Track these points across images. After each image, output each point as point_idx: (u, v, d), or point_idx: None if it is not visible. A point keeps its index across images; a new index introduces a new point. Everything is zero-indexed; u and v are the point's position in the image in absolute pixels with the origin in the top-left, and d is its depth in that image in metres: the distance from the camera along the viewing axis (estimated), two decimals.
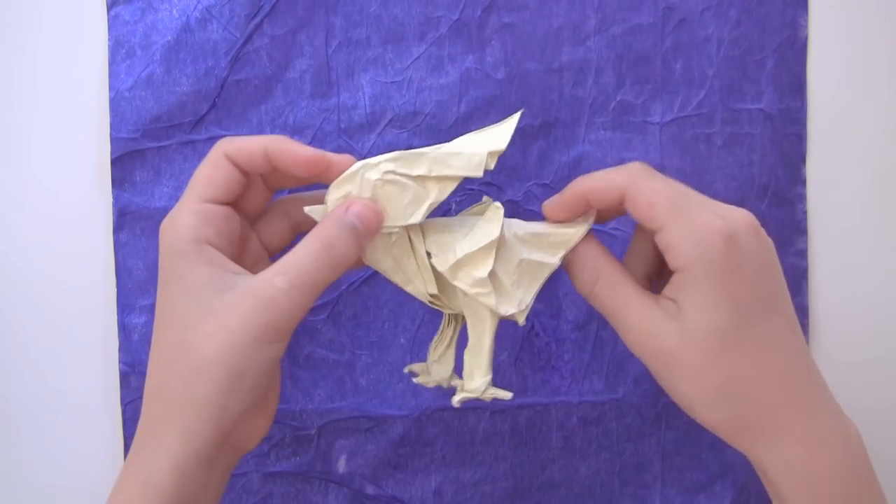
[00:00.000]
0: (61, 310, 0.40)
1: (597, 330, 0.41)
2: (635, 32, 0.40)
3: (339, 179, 0.30)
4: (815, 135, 0.41)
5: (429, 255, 0.31)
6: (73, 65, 0.40)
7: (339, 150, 0.39)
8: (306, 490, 0.40)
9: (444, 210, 0.39)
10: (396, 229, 0.30)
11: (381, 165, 0.29)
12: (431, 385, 0.34)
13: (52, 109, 0.40)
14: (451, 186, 0.30)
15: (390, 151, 0.30)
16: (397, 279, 0.31)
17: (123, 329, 0.39)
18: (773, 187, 0.41)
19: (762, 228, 0.29)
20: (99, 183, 0.40)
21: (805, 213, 0.41)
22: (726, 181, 0.41)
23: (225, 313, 0.27)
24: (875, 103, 0.42)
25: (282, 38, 0.39)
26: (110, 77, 0.39)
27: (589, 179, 0.30)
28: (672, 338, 0.28)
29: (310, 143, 0.39)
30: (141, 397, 0.39)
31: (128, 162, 0.39)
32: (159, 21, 0.39)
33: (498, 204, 0.31)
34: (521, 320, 0.31)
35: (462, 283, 0.30)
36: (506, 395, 0.31)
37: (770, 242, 0.29)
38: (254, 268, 0.30)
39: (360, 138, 0.40)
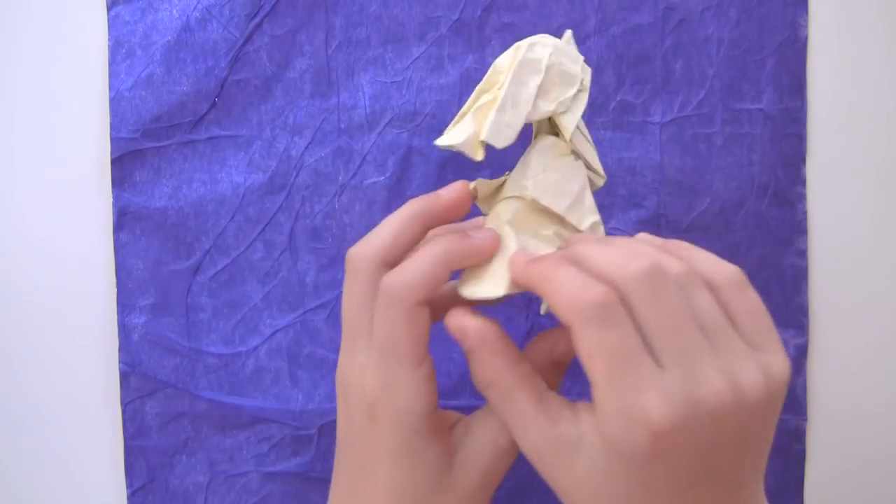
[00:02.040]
0: (61, 310, 0.40)
1: None
2: (635, 32, 0.40)
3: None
4: (815, 135, 0.41)
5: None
6: (73, 65, 0.40)
7: (339, 150, 0.39)
8: (306, 490, 0.40)
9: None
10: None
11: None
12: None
13: (52, 109, 0.40)
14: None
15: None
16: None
17: (123, 329, 0.39)
18: (773, 187, 0.41)
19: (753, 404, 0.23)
20: (99, 183, 0.40)
21: (805, 213, 0.41)
22: (726, 181, 0.41)
23: (462, 487, 0.27)
24: (875, 103, 0.42)
25: (282, 38, 0.39)
26: (110, 77, 0.39)
27: (551, 278, 0.24)
28: (566, 473, 0.24)
29: (310, 144, 0.40)
30: (140, 397, 0.40)
31: (128, 162, 0.39)
32: (159, 21, 0.39)
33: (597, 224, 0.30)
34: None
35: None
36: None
37: (752, 421, 0.24)
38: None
39: (360, 138, 0.40)
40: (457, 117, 0.30)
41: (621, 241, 0.27)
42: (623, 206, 0.40)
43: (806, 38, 0.41)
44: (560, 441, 0.24)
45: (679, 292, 0.24)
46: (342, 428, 0.29)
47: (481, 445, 0.27)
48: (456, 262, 0.27)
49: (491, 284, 0.27)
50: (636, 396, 0.22)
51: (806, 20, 0.41)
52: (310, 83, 0.40)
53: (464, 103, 0.35)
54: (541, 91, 0.29)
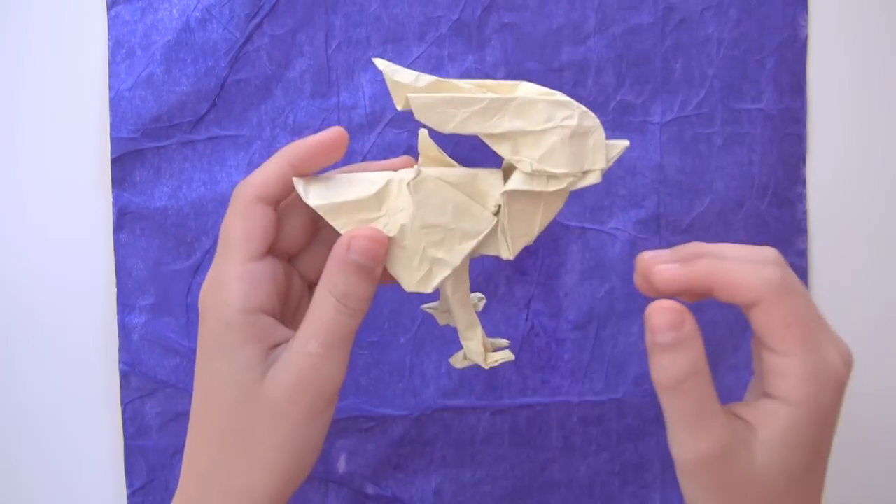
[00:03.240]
0: (61, 310, 0.40)
1: (597, 330, 0.41)
2: (635, 32, 0.40)
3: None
4: (815, 135, 0.41)
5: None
6: (73, 65, 0.40)
7: None
8: (306, 490, 0.40)
9: None
10: None
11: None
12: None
13: (53, 109, 0.40)
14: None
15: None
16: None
17: (123, 329, 0.39)
18: (773, 187, 0.41)
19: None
20: (99, 183, 0.40)
21: (805, 213, 0.41)
22: (726, 181, 0.41)
23: (274, 396, 0.26)
24: (875, 103, 0.42)
25: (282, 38, 0.39)
26: (110, 77, 0.39)
27: (722, 266, 0.26)
28: (737, 468, 0.25)
29: None
30: (140, 397, 0.40)
31: (128, 162, 0.39)
32: (159, 21, 0.39)
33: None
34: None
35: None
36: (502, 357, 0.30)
37: None
38: (298, 306, 0.29)
39: (360, 138, 0.40)
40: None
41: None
42: (623, 206, 0.40)
43: (806, 38, 0.41)
44: (734, 434, 0.25)
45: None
46: None
47: (293, 354, 0.26)
48: (300, 159, 0.28)
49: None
50: (826, 356, 0.25)
51: (806, 20, 0.41)
52: (310, 83, 0.40)
53: None
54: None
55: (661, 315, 0.25)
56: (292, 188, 0.28)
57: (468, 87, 0.27)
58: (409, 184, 0.27)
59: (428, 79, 0.27)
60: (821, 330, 0.25)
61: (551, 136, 0.27)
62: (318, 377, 0.26)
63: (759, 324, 0.25)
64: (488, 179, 0.28)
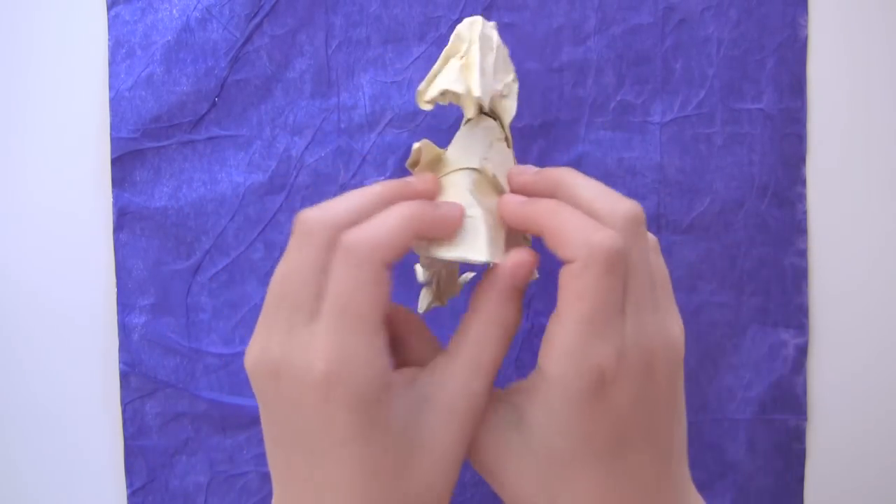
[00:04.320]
0: (61, 310, 0.40)
1: None
2: (635, 32, 0.40)
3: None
4: (815, 135, 0.41)
5: None
6: (73, 65, 0.40)
7: (339, 150, 0.39)
8: None
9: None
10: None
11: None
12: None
13: (52, 109, 0.40)
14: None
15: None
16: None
17: (123, 329, 0.39)
18: (773, 187, 0.41)
19: (680, 347, 0.25)
20: (99, 183, 0.40)
21: (805, 213, 0.41)
22: (726, 181, 0.41)
23: (437, 448, 0.24)
24: (875, 103, 0.42)
25: (282, 38, 0.39)
26: (110, 77, 0.39)
27: (559, 216, 0.25)
28: (511, 451, 0.24)
29: (310, 144, 0.40)
30: (140, 397, 0.40)
31: (128, 162, 0.39)
32: (159, 21, 0.39)
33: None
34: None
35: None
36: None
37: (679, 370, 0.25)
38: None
39: (360, 138, 0.40)
40: (428, 77, 0.30)
41: (598, 185, 0.27)
42: None
43: (806, 38, 0.41)
44: (501, 420, 0.25)
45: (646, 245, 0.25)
46: (274, 419, 0.25)
47: (452, 396, 0.24)
48: (422, 229, 0.25)
49: (471, 250, 0.26)
50: (600, 342, 0.23)
51: (806, 20, 0.41)
52: (310, 83, 0.40)
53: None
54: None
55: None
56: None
57: (454, 57, 0.30)
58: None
59: (449, 74, 0.29)
60: (614, 315, 0.23)
61: None
62: (478, 415, 0.25)
63: (560, 281, 0.24)
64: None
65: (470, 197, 0.28)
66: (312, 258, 0.24)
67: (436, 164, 0.30)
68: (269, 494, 0.40)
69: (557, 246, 0.24)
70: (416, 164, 0.29)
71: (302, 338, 0.23)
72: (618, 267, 0.23)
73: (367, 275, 0.23)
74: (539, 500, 0.24)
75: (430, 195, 0.27)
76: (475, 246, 0.26)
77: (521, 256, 0.25)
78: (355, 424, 0.23)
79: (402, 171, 0.39)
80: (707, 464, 0.41)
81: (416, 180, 0.27)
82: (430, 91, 0.29)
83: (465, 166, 0.29)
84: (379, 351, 0.23)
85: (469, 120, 0.31)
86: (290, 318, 0.24)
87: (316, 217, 0.24)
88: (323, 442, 0.23)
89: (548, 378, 0.24)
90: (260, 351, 0.24)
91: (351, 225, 0.24)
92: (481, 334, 0.25)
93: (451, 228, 0.26)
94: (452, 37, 0.31)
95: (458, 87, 0.29)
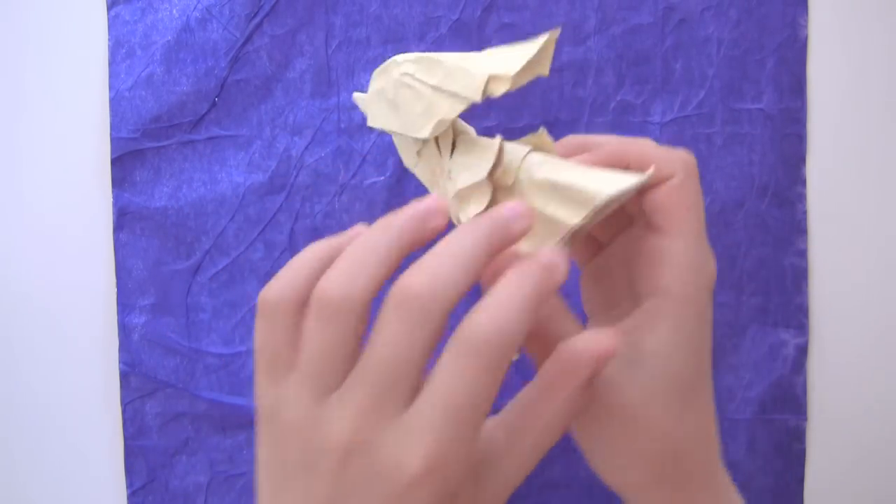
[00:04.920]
0: (61, 310, 0.40)
1: None
2: (635, 32, 0.40)
3: (377, 71, 0.27)
4: (815, 135, 0.41)
5: (448, 174, 0.27)
6: (73, 65, 0.40)
7: (339, 150, 0.39)
8: None
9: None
10: (412, 139, 0.26)
11: (403, 65, 0.26)
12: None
13: (53, 109, 0.40)
14: (461, 107, 0.25)
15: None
16: (434, 190, 0.28)
17: (123, 329, 0.39)
18: (773, 187, 0.41)
19: None
20: (99, 183, 0.40)
21: (805, 213, 0.41)
22: (726, 181, 0.40)
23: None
24: (875, 103, 0.42)
25: (282, 38, 0.39)
26: (110, 77, 0.39)
27: (635, 143, 0.25)
28: (634, 388, 0.23)
29: (310, 144, 0.40)
30: (140, 397, 0.40)
31: (128, 162, 0.39)
32: (159, 21, 0.39)
33: (497, 137, 0.26)
34: None
35: (461, 215, 0.26)
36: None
37: None
38: None
39: (360, 138, 0.40)
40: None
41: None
42: None
43: (806, 38, 0.41)
44: (620, 358, 0.23)
45: None
46: (319, 486, 0.21)
47: (511, 477, 0.22)
48: (543, 303, 0.21)
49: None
50: (709, 253, 0.25)
51: (806, 20, 0.41)
52: (310, 83, 0.40)
53: None
54: None
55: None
56: None
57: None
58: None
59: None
60: (704, 229, 0.25)
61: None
62: (528, 470, 0.22)
63: (660, 202, 0.24)
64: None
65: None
66: (420, 343, 0.20)
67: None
68: None
69: (650, 164, 0.24)
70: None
71: (395, 429, 0.20)
72: (695, 169, 0.25)
73: (495, 374, 0.20)
74: (665, 423, 0.23)
75: (444, 228, 0.23)
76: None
77: (606, 341, 0.22)
78: None
79: (401, 172, 0.39)
80: None
81: (428, 216, 0.22)
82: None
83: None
84: (471, 451, 0.20)
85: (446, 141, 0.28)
86: (384, 404, 0.20)
87: (427, 293, 0.20)
88: None
89: (672, 297, 0.23)
90: (352, 432, 0.20)
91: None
92: (551, 423, 0.22)
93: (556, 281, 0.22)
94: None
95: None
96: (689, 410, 0.24)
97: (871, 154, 0.42)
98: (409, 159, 0.28)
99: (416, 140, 0.27)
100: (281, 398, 0.21)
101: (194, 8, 0.39)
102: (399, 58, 0.27)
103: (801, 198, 0.41)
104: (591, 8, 0.40)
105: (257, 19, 0.39)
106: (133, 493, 0.40)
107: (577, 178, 0.23)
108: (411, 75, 0.26)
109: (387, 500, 0.20)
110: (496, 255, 0.21)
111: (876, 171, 0.42)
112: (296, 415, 0.20)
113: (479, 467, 0.22)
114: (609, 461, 0.25)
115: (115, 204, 0.39)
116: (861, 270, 0.42)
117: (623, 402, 0.23)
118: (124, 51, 0.39)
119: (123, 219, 0.39)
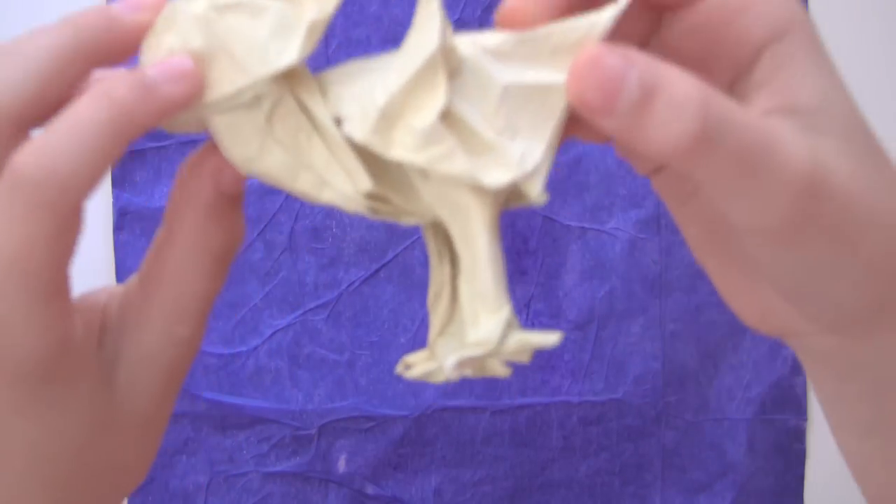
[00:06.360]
0: None
1: (597, 330, 0.41)
2: None
3: (151, 31, 0.18)
4: None
5: (338, 122, 0.18)
6: None
7: None
8: (306, 490, 0.40)
9: None
10: (261, 86, 0.18)
11: None
12: (440, 378, 0.19)
13: None
14: None
15: None
16: (301, 183, 0.19)
17: None
18: None
19: None
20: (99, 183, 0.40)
21: None
22: None
23: (137, 410, 0.20)
24: (874, 103, 0.41)
25: None
26: None
27: None
28: (841, 167, 0.16)
29: None
30: None
31: (128, 162, 0.39)
32: None
33: None
34: (535, 193, 0.17)
35: (403, 149, 0.17)
36: (547, 339, 0.18)
37: None
38: None
39: None
40: None
41: None
42: (623, 206, 0.40)
43: None
44: (774, 119, 0.17)
45: None
46: None
47: (153, 346, 0.19)
48: (139, 124, 0.17)
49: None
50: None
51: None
52: None
53: None
54: None
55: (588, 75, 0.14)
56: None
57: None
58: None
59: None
60: None
61: None
62: (190, 360, 0.20)
63: (774, 61, 0.17)
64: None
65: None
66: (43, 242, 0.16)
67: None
68: (269, 494, 0.40)
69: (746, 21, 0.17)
70: None
71: None
72: None
73: (51, 224, 0.16)
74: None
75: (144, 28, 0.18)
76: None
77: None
78: (18, 402, 0.18)
79: None
80: (707, 464, 0.41)
81: (124, 10, 0.18)
82: None
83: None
84: (56, 315, 0.17)
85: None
86: None
87: (42, 175, 0.16)
88: None
89: (793, 31, 0.17)
90: None
91: (27, 111, 0.17)
92: (182, 268, 0.20)
93: (180, 101, 0.17)
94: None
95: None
96: (875, 167, 0.18)
97: None
98: (249, 144, 0.19)
99: (259, 100, 0.18)
100: None
101: None
102: None
103: None
104: None
105: None
106: (133, 493, 0.40)
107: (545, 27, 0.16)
108: None
109: None
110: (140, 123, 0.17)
111: None
112: None
113: (115, 347, 0.19)
114: (822, 292, 0.17)
115: (115, 204, 0.39)
116: None
117: (838, 189, 0.16)
118: None
119: (124, 219, 0.39)
